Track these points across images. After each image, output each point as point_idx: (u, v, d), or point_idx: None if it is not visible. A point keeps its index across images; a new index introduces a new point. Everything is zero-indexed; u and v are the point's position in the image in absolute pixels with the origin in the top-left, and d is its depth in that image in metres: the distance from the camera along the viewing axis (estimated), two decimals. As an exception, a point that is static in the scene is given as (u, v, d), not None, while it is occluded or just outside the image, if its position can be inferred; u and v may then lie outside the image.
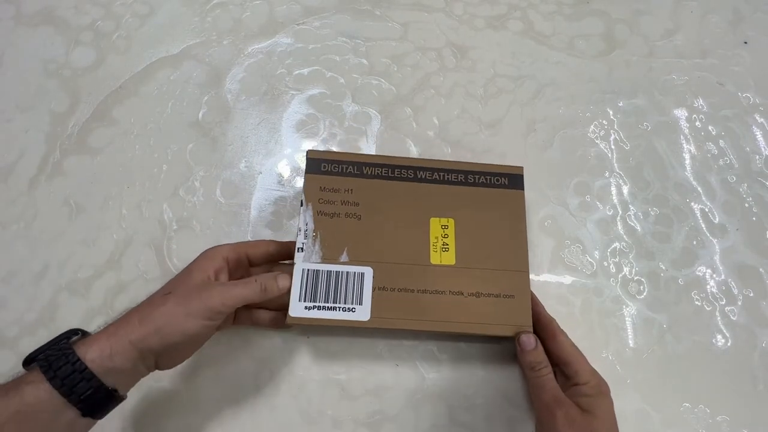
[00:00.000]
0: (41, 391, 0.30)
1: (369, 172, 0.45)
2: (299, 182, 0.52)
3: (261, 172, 0.52)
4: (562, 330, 0.41)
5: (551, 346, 0.41)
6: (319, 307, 0.40)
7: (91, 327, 0.45)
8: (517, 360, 0.44)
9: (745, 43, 0.60)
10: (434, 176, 0.45)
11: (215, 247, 0.39)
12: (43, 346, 0.33)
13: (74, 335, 0.34)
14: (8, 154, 0.52)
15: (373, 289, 0.41)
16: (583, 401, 0.37)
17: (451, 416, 0.44)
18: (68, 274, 0.47)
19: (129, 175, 0.51)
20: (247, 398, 0.44)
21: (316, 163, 0.45)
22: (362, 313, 0.40)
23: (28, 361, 0.32)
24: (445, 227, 0.44)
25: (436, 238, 0.43)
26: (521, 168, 0.46)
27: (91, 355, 0.31)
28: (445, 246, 0.43)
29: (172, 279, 0.38)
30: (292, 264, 0.41)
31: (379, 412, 0.44)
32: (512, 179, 0.46)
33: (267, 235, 0.49)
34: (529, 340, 0.40)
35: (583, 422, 0.36)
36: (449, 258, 0.43)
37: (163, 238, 0.49)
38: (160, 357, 0.34)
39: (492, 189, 0.45)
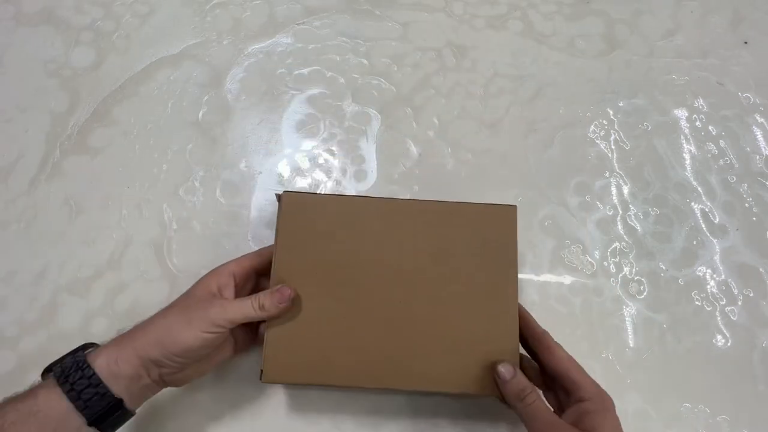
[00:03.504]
0: (52, 395, 0.31)
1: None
2: (299, 182, 0.52)
3: (261, 172, 0.52)
4: (557, 343, 0.38)
5: (547, 360, 0.37)
6: None
7: (91, 327, 0.46)
8: (499, 393, 0.38)
9: (745, 43, 0.60)
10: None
11: (222, 264, 0.39)
12: (61, 357, 0.34)
13: (90, 347, 0.35)
14: (8, 154, 0.52)
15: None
16: (587, 420, 0.34)
17: (451, 416, 0.44)
18: (68, 274, 0.47)
19: (129, 175, 0.51)
20: (247, 398, 0.44)
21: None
22: None
23: (47, 371, 0.34)
24: None
25: None
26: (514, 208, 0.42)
27: (99, 361, 0.32)
28: None
29: (180, 297, 0.38)
30: None
31: (379, 412, 0.44)
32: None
33: (267, 235, 0.49)
34: (508, 369, 0.36)
35: None
36: None
37: (163, 238, 0.49)
38: (163, 369, 0.35)
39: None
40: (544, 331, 0.39)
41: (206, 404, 0.43)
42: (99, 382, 0.32)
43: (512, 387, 0.36)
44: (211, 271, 0.39)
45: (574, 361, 0.37)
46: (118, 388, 0.32)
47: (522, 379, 0.36)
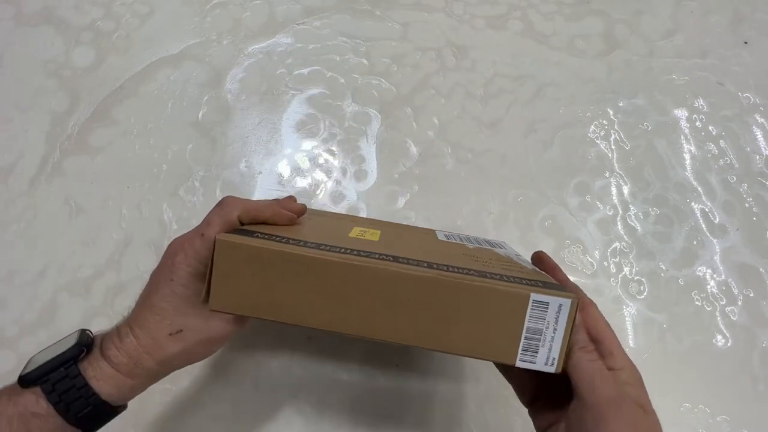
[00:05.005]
0: (50, 424, 0.28)
1: None
2: (299, 182, 0.52)
3: (261, 172, 0.52)
4: (591, 300, 0.32)
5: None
6: None
7: (91, 327, 0.45)
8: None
9: (745, 43, 0.60)
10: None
11: (180, 245, 0.32)
12: (44, 366, 0.29)
13: (79, 352, 0.30)
14: (8, 154, 0.52)
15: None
16: (629, 391, 0.29)
17: (450, 415, 0.44)
18: (68, 274, 0.47)
19: (129, 175, 0.51)
20: (247, 398, 0.44)
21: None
22: None
23: (29, 380, 0.29)
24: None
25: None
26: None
27: (107, 390, 0.30)
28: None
29: (167, 307, 0.32)
30: None
31: (379, 412, 0.44)
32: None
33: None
34: (584, 299, 0.31)
35: (647, 425, 0.28)
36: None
37: (163, 238, 0.49)
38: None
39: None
40: (576, 286, 0.33)
41: (206, 404, 0.43)
42: (112, 411, 0.30)
43: (577, 333, 0.29)
44: (174, 260, 0.31)
45: (607, 323, 0.31)
46: (123, 402, 0.31)
47: (583, 328, 0.30)
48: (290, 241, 0.28)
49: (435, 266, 0.28)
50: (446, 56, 0.58)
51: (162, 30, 0.58)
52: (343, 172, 0.53)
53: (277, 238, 0.29)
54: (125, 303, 0.46)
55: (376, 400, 0.44)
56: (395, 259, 0.28)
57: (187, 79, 0.56)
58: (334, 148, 0.54)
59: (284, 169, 0.53)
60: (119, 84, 0.55)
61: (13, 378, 0.31)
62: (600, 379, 0.28)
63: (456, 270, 0.28)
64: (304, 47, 0.58)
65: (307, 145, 0.54)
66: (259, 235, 0.29)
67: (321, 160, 0.53)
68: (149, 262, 0.48)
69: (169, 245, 0.33)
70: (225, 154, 0.53)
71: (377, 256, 0.28)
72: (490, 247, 0.37)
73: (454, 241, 0.38)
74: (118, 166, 0.52)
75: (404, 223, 0.48)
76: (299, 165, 0.53)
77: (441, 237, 0.39)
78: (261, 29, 0.59)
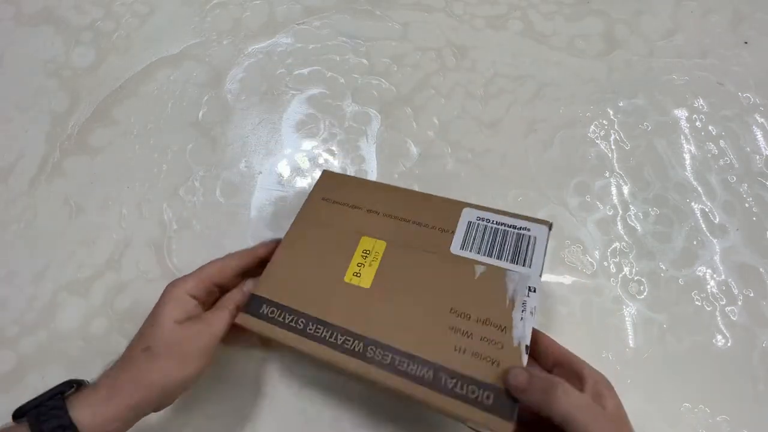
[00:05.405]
0: None
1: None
2: (299, 182, 0.52)
3: (261, 172, 0.52)
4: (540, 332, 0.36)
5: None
6: None
7: (91, 327, 0.45)
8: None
9: (745, 43, 0.60)
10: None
11: (177, 284, 0.36)
12: (36, 398, 0.31)
13: (69, 388, 0.32)
14: (8, 154, 0.52)
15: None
16: (607, 404, 0.32)
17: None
18: (68, 274, 0.47)
19: (129, 175, 0.51)
20: (247, 398, 0.44)
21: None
22: None
23: (19, 414, 0.31)
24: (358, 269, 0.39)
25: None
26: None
27: (86, 419, 0.30)
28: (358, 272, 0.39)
29: (142, 332, 0.35)
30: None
31: (380, 411, 0.44)
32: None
33: (267, 235, 0.49)
34: (521, 376, 0.31)
35: None
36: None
37: (163, 238, 0.49)
38: (157, 407, 0.35)
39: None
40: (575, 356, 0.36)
41: (206, 404, 0.43)
42: None
43: (534, 389, 0.31)
44: (170, 298, 0.36)
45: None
46: None
47: (539, 375, 0.31)
48: (287, 317, 0.37)
49: (400, 366, 0.34)
50: (446, 56, 0.58)
51: (162, 30, 0.58)
52: (343, 172, 0.53)
53: (279, 314, 0.37)
54: (125, 303, 0.47)
55: (377, 400, 0.44)
56: (363, 351, 0.35)
57: (187, 79, 0.56)
58: (334, 148, 0.54)
59: (284, 169, 0.53)
60: (119, 84, 0.55)
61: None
62: (593, 421, 0.30)
63: (415, 375, 0.33)
64: (304, 47, 0.58)
65: (307, 145, 0.54)
66: (265, 308, 0.38)
67: (321, 160, 0.53)
68: (149, 262, 0.48)
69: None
70: (225, 154, 0.53)
71: (350, 343, 0.35)
72: (506, 266, 0.38)
73: (467, 255, 0.39)
74: (118, 166, 0.52)
75: (424, 195, 0.44)
76: (299, 165, 0.53)
77: (455, 249, 0.39)
78: (261, 29, 0.59)
